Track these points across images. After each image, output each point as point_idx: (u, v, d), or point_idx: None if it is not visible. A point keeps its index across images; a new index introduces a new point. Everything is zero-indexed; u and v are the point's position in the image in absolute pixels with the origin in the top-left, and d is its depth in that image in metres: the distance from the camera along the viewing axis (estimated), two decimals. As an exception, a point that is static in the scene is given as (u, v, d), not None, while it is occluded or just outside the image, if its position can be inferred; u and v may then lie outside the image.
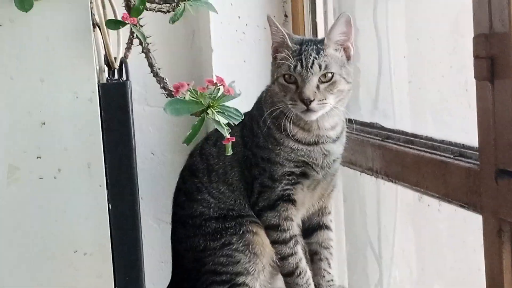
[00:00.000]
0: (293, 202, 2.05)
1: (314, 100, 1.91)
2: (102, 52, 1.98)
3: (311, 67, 1.93)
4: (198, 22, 2.78)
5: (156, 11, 1.77)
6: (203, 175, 2.15)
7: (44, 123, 1.70)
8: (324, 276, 2.18)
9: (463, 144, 1.81)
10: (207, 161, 2.16)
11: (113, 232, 1.77)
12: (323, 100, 1.93)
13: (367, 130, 2.30)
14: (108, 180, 1.76)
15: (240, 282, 2.05)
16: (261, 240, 2.07)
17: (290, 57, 1.96)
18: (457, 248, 2.21)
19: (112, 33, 2.03)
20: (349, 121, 2.12)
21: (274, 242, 2.07)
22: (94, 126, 1.72)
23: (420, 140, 2.01)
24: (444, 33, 2.11)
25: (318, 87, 1.93)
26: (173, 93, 1.64)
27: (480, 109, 1.61)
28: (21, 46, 1.67)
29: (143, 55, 1.76)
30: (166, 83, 1.73)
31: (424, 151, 1.93)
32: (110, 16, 2.01)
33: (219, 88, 1.61)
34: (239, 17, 2.72)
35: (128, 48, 2.04)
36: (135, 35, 1.75)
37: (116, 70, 2.03)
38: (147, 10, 1.73)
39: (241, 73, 2.70)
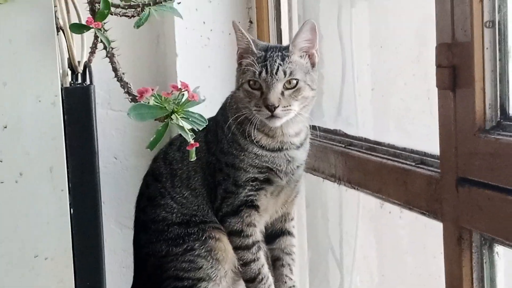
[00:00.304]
0: (256, 208, 2.06)
1: (278, 106, 1.92)
2: (66, 56, 1.98)
3: (276, 73, 1.93)
4: (163, 27, 2.78)
5: (120, 16, 1.77)
6: (166, 180, 2.15)
7: (6, 127, 1.68)
8: (286, 282, 2.18)
9: (424, 152, 1.83)
10: (170, 166, 2.15)
11: (75, 237, 1.77)
12: (287, 106, 1.93)
13: (330, 137, 2.31)
14: (70, 185, 1.75)
15: (202, 288, 2.06)
16: (224, 246, 2.07)
17: (255, 63, 1.96)
18: (417, 255, 2.23)
19: (76, 37, 2.02)
20: (313, 127, 2.13)
21: (236, 248, 2.07)
22: (56, 130, 1.71)
23: (383, 147, 2.02)
24: (407, 42, 2.13)
25: (282, 93, 1.94)
26: (137, 98, 1.64)
27: (442, 118, 1.63)
28: (-17, 49, 1.65)
29: (107, 59, 1.75)
30: (130, 87, 1.72)
31: (386, 158, 1.94)
32: (74, 20, 2.00)
33: (183, 94, 1.61)
34: (204, 22, 2.72)
35: (92, 52, 2.03)
36: (99, 40, 1.75)
37: (79, 74, 2.03)
38: (112, 14, 1.72)
39: (205, 79, 2.70)
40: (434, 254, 1.95)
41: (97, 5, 1.71)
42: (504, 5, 1.50)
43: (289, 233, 2.21)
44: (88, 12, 1.75)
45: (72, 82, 1.99)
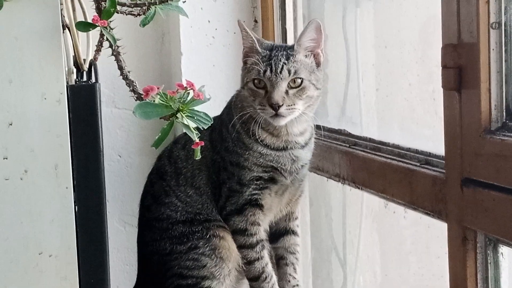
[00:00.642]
0: (260, 207, 2.06)
1: (282, 105, 1.92)
2: (71, 54, 1.98)
3: (281, 72, 1.93)
4: (168, 25, 2.78)
5: (126, 14, 1.77)
6: (171, 178, 2.15)
7: (11, 124, 1.69)
8: (289, 281, 2.18)
9: (429, 152, 1.82)
10: (175, 164, 2.15)
11: (79, 234, 1.77)
12: (291, 105, 1.94)
13: (335, 136, 2.30)
14: (75, 182, 1.75)
15: (205, 286, 2.05)
16: (228, 244, 2.07)
17: (260, 62, 1.96)
18: (421, 255, 2.23)
19: (82, 35, 2.02)
20: (318, 127, 2.13)
21: (240, 247, 2.07)
22: (61, 127, 1.72)
23: (387, 147, 2.02)
24: (412, 42, 2.12)
25: (287, 92, 1.94)
26: (142, 96, 1.64)
27: (447, 118, 1.62)
28: (-11, 46, 1.66)
29: (113, 57, 1.75)
30: (135, 86, 1.73)
31: (390, 158, 1.94)
32: (80, 18, 2.01)
33: (189, 92, 1.61)
34: (209, 21, 2.72)
35: (98, 50, 2.04)
36: (105, 38, 1.75)
37: (85, 72, 2.03)
38: (118, 12, 1.73)
39: (210, 77, 2.70)
40: (437, 254, 1.95)
41: (103, 3, 1.72)
42: (511, 7, 1.50)
43: (293, 232, 2.22)
44: (94, 10, 1.76)
45: (77, 80, 1.99)
